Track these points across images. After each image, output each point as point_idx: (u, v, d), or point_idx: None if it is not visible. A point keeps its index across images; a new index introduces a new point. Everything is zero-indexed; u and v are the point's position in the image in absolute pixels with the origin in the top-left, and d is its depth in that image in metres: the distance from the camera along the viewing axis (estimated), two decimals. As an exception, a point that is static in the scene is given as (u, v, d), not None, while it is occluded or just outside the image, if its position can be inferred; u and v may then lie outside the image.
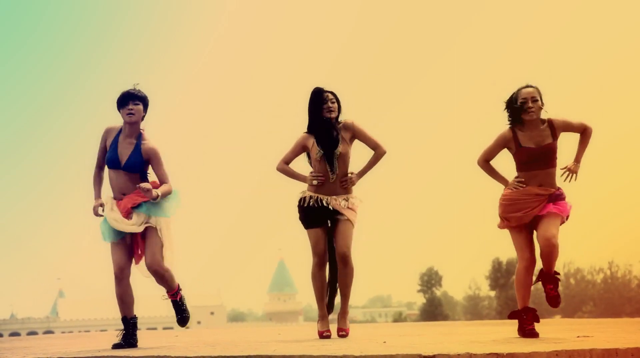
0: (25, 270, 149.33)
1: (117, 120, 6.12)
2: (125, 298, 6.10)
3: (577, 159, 6.02)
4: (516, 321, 6.10)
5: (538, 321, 5.95)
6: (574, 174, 5.98)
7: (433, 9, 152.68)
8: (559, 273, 6.09)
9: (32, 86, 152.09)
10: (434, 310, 71.01)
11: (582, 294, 69.34)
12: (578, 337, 5.71)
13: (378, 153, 6.45)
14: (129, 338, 6.06)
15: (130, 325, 6.08)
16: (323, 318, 6.53)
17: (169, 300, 6.25)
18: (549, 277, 5.95)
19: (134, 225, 5.99)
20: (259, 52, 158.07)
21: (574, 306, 68.93)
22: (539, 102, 5.88)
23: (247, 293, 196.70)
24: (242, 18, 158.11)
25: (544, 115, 5.95)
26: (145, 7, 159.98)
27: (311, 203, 6.40)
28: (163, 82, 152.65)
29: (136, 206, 6.02)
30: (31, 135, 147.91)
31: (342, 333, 6.44)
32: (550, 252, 5.78)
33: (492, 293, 76.50)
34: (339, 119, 6.49)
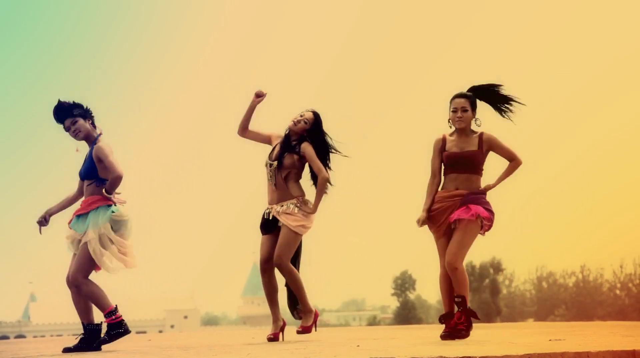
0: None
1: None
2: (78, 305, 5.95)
3: (493, 184, 6.07)
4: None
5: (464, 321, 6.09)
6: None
7: (433, 9, 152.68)
8: (464, 304, 5.96)
9: (32, 86, 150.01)
10: (408, 314, 71.15)
11: (554, 298, 69.75)
12: (550, 340, 5.75)
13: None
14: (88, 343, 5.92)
15: (88, 331, 5.93)
16: (273, 322, 6.61)
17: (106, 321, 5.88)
18: (458, 303, 5.95)
19: (73, 242, 5.91)
20: (259, 52, 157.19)
21: (546, 309, 69.28)
22: (469, 113, 6.01)
23: (221, 297, 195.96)
24: (242, 18, 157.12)
25: (478, 128, 6.06)
26: (145, 7, 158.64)
27: (265, 214, 6.52)
28: (163, 82, 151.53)
29: (80, 216, 5.91)
30: (31, 136, 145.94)
31: (299, 329, 6.56)
32: (451, 275, 5.95)
33: (466, 297, 76.63)
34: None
